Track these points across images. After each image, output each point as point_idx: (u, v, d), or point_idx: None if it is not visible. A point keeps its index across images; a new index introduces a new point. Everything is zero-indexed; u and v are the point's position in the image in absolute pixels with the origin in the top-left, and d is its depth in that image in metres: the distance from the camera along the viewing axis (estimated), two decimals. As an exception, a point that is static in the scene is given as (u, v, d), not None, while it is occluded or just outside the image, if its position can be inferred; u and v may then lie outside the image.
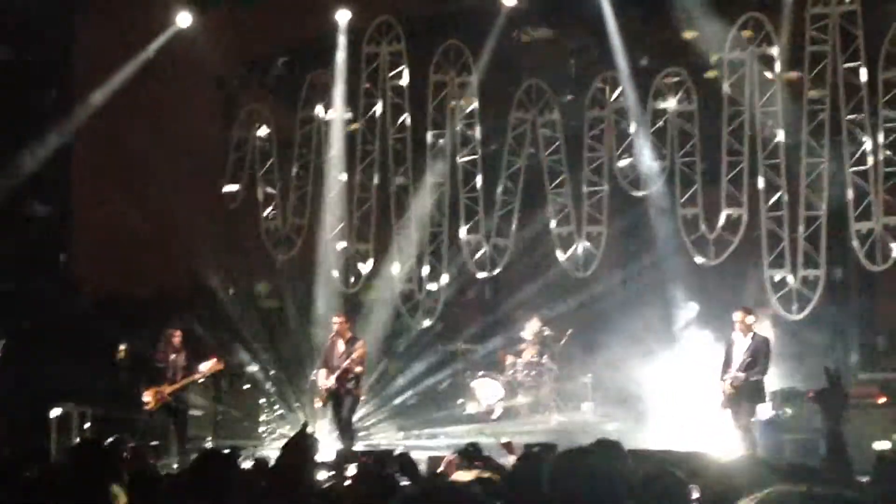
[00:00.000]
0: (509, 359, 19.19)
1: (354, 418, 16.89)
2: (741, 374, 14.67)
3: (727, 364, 14.96)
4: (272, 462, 7.21)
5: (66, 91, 20.37)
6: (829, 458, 5.69)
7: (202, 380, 17.06)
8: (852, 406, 15.53)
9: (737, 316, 15.05)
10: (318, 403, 16.99)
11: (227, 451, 10.32)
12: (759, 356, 14.81)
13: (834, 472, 5.52)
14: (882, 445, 15.03)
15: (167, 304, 19.70)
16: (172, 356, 16.64)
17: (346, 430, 16.33)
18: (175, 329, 16.86)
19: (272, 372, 19.92)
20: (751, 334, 14.90)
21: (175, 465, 15.51)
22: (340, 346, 16.53)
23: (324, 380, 16.50)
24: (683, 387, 17.41)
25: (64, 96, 20.20)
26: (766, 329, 15.84)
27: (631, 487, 4.70)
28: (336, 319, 16.80)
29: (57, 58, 20.27)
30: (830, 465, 5.59)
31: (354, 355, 16.29)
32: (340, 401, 16.45)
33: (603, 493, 4.21)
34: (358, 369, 16.43)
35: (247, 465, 12.24)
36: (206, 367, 16.76)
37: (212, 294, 20.14)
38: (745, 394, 14.76)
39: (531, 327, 18.98)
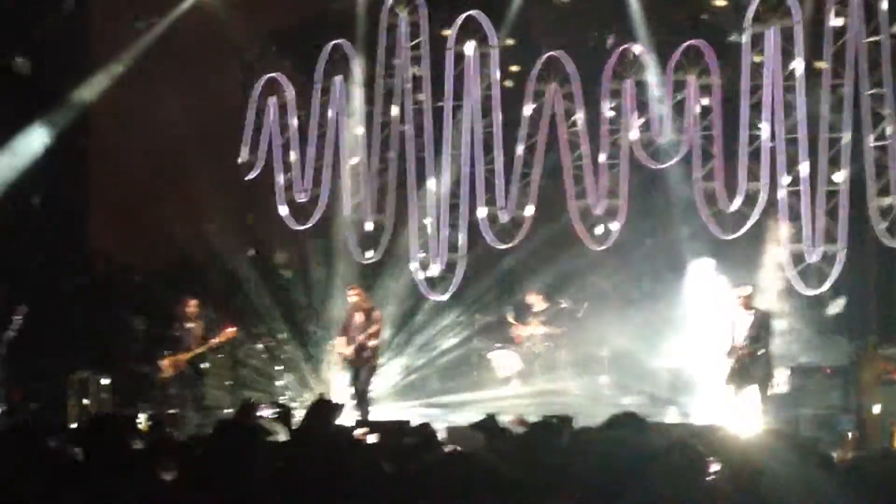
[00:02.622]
0: (522, 329, 19.12)
1: (370, 388, 16.97)
2: (743, 350, 14.67)
3: (731, 341, 14.98)
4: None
5: (84, 59, 20.36)
6: (859, 431, 5.71)
7: (218, 347, 17.11)
8: (872, 382, 15.56)
9: (738, 293, 15.12)
10: (336, 371, 17.11)
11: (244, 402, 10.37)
12: (761, 330, 14.85)
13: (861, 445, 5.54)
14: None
15: (184, 274, 19.74)
16: (188, 325, 16.75)
17: (362, 400, 16.45)
18: (190, 298, 16.95)
19: (289, 341, 19.98)
20: (752, 310, 14.96)
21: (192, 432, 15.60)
22: (358, 317, 16.60)
23: (342, 349, 16.62)
24: (701, 361, 17.42)
25: (82, 65, 20.18)
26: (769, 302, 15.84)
27: (651, 460, 4.70)
28: (351, 292, 16.87)
29: (73, 26, 20.25)
30: (858, 439, 5.61)
31: (371, 330, 16.41)
32: (357, 371, 16.55)
33: (625, 465, 4.21)
34: (373, 343, 16.54)
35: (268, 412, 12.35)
36: (221, 334, 16.85)
37: (229, 264, 20.18)
38: (754, 369, 14.76)
39: (536, 301, 18.98)
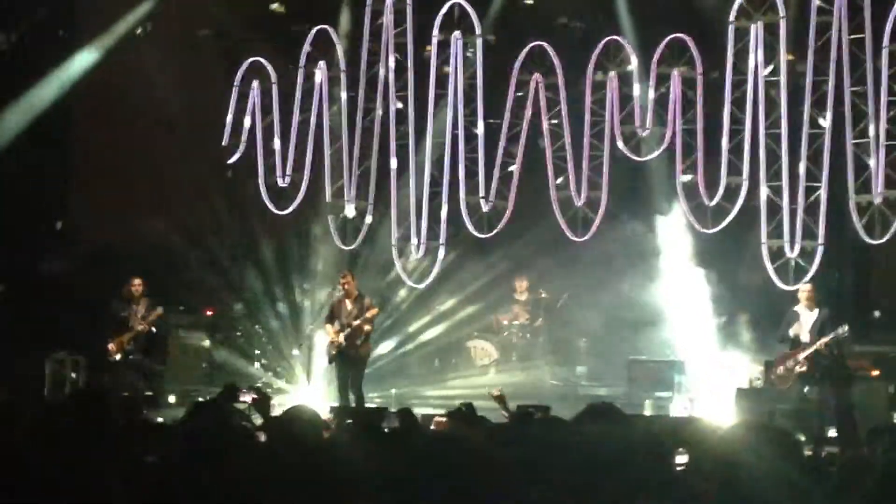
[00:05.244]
0: (504, 321, 19.28)
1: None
2: (818, 344, 14.50)
3: (795, 340, 14.80)
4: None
5: (66, 42, 20.27)
6: (839, 427, 5.74)
7: (146, 328, 16.67)
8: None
9: (805, 289, 14.94)
10: (321, 358, 17.12)
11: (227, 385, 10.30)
12: (826, 327, 14.64)
13: (844, 439, 5.57)
14: None
15: (164, 257, 19.67)
16: (134, 305, 16.60)
17: (358, 390, 16.40)
18: (134, 278, 16.74)
19: (268, 326, 19.97)
20: (816, 308, 14.77)
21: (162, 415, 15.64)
22: (348, 304, 16.55)
23: (333, 336, 16.49)
24: (678, 353, 17.51)
25: (64, 47, 20.10)
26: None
27: (625, 452, 4.72)
28: (342, 279, 16.82)
29: (57, 9, 20.18)
30: (840, 434, 5.64)
31: (369, 315, 16.40)
32: (347, 360, 16.47)
33: (602, 457, 4.23)
34: (368, 328, 16.55)
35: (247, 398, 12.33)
36: (152, 314, 16.59)
37: (208, 247, 20.12)
38: (826, 365, 14.64)
39: (521, 287, 19.07)
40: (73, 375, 17.73)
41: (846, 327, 14.54)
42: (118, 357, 16.44)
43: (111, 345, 16.43)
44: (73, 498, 4.24)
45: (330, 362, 16.86)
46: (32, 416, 5.67)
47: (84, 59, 19.48)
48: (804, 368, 14.67)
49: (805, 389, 14.82)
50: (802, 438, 12.35)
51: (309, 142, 20.06)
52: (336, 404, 15.78)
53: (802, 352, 14.67)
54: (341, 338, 16.38)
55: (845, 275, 18.33)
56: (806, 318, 14.82)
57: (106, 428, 4.96)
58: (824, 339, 14.45)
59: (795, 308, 15.04)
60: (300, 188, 20.11)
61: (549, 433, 5.02)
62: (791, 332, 14.84)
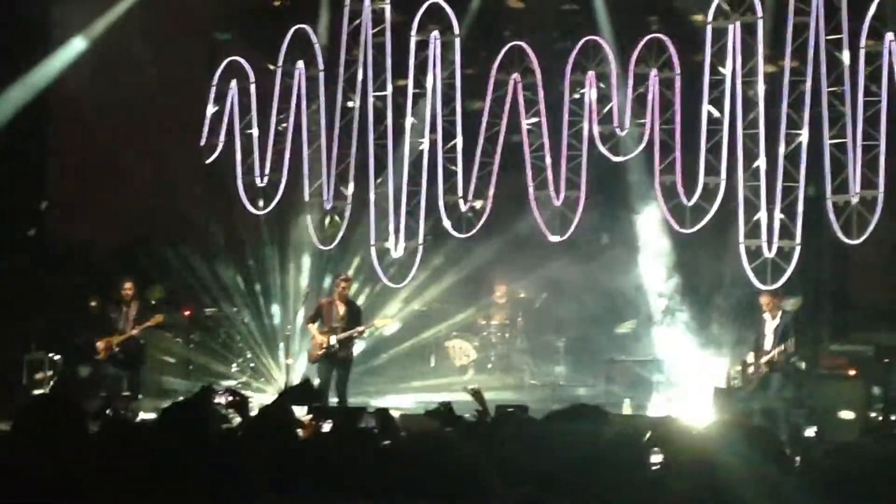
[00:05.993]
0: (482, 321, 19.32)
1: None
2: (774, 352, 14.88)
3: (758, 346, 15.19)
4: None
5: (46, 39, 20.19)
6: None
7: (139, 332, 16.68)
8: (824, 377, 15.81)
9: (764, 299, 15.34)
10: (302, 359, 17.07)
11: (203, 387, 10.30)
12: (788, 332, 15.02)
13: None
14: (847, 415, 15.24)
15: (143, 254, 19.61)
16: (124, 307, 16.60)
17: (342, 394, 16.38)
18: (126, 280, 16.75)
19: (246, 323, 19.93)
20: (779, 313, 15.16)
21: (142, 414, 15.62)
22: (340, 307, 16.46)
23: (320, 337, 16.37)
24: (657, 352, 17.54)
25: (43, 45, 20.02)
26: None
27: (601, 452, 4.72)
28: (343, 282, 16.74)
29: (36, 5, 20.11)
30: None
31: (379, 323, 16.48)
32: (334, 361, 16.38)
33: (583, 456, 4.23)
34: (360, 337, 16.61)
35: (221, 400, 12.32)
36: (151, 320, 16.61)
37: (185, 247, 20.06)
38: (782, 371, 14.99)
39: (500, 291, 19.10)
40: (53, 376, 17.65)
41: (792, 343, 14.86)
42: (102, 356, 16.46)
43: (99, 343, 16.45)
44: (46, 499, 4.21)
45: (313, 362, 16.77)
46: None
47: (68, 53, 19.43)
48: (763, 371, 15.06)
49: (773, 390, 15.08)
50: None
51: (287, 141, 20.03)
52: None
53: (764, 356, 15.04)
54: (333, 340, 16.26)
55: (823, 275, 18.38)
56: (769, 324, 15.16)
57: (72, 429, 4.93)
58: (777, 350, 14.84)
59: (762, 315, 15.35)
60: (278, 188, 20.08)
61: (527, 432, 5.02)
62: (757, 337, 15.26)
